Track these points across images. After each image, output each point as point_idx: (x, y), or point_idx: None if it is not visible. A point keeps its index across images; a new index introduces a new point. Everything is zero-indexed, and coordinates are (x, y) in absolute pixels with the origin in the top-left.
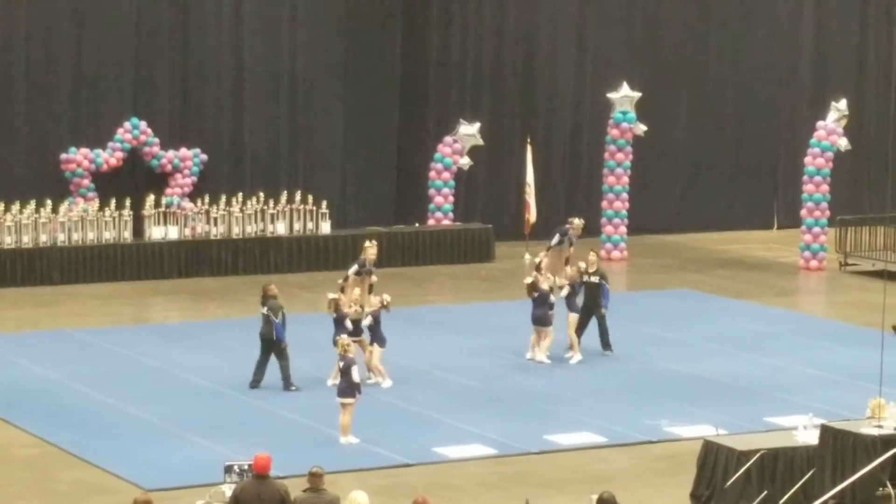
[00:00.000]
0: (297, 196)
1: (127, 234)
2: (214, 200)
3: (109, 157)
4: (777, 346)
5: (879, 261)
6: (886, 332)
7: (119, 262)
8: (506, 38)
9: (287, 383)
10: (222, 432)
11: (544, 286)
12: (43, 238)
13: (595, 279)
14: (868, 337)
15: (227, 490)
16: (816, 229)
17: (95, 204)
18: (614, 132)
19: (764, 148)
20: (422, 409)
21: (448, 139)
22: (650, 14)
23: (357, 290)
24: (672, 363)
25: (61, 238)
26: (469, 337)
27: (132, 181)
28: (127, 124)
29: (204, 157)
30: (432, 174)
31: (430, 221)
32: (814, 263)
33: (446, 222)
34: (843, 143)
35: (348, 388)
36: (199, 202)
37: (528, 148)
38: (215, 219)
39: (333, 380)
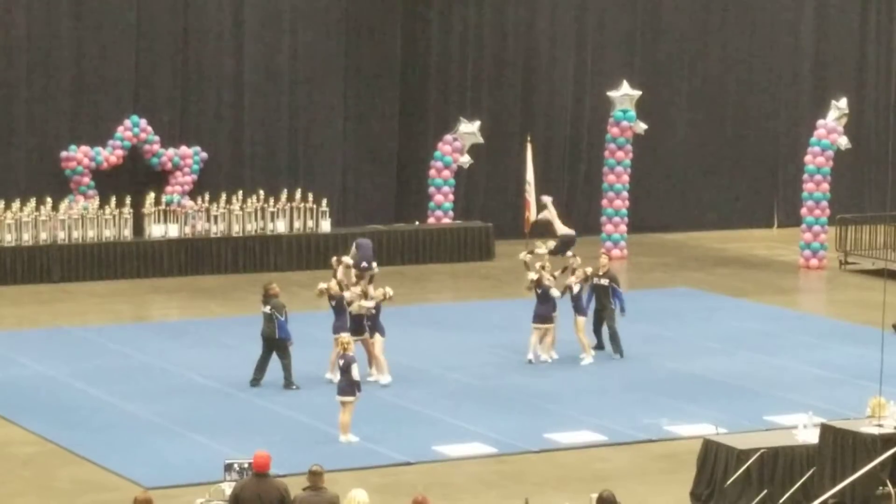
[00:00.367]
0: (298, 194)
1: (127, 232)
2: (214, 198)
3: (110, 154)
4: (777, 344)
5: (879, 259)
6: (886, 331)
7: (119, 259)
8: (506, 37)
9: (288, 382)
10: (222, 430)
11: (547, 283)
12: (43, 236)
13: (604, 282)
14: (868, 336)
15: (227, 488)
16: (817, 228)
17: (96, 202)
18: (614, 130)
19: (764, 147)
20: (421, 407)
21: (448, 137)
22: (650, 12)
23: (358, 289)
24: (672, 362)
25: (61, 236)
26: (469, 335)
27: (132, 179)
28: (127, 122)
29: (204, 155)
30: (432, 172)
31: (430, 220)
32: (814, 262)
33: (446, 220)
34: (844, 142)
35: (348, 386)
36: (199, 200)
37: (529, 146)
38: (215, 217)
39: (331, 373)
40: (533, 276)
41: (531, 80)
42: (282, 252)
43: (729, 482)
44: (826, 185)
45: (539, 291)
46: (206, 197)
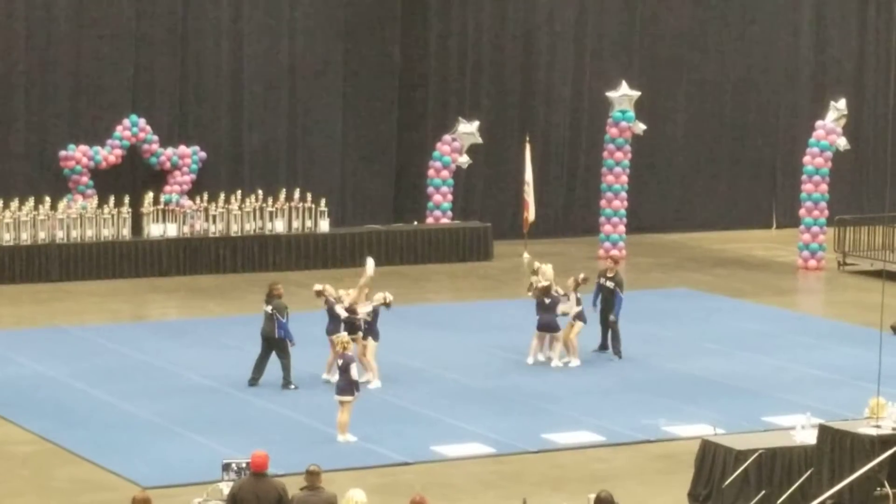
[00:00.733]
0: (296, 194)
1: (125, 232)
2: (213, 198)
3: (108, 154)
4: (775, 345)
5: (878, 260)
6: (885, 332)
7: (117, 259)
8: (505, 37)
9: (286, 381)
10: (220, 430)
11: (555, 293)
12: (41, 235)
13: (610, 285)
14: (866, 336)
15: (225, 488)
16: (815, 229)
17: (94, 201)
18: (613, 131)
19: (763, 147)
20: (420, 407)
21: (447, 137)
22: (649, 13)
23: (352, 292)
24: (670, 362)
25: (60, 235)
26: (467, 335)
27: (131, 178)
28: (126, 121)
29: (203, 154)
30: (431, 172)
31: (429, 220)
32: (812, 263)
33: (445, 221)
34: (842, 143)
35: (347, 385)
36: (197, 200)
37: (527, 147)
38: (214, 216)
39: (328, 374)
40: (544, 283)
41: (530, 81)
42: (280, 252)
43: (727, 483)
44: (825, 186)
45: (547, 301)
46: (205, 196)
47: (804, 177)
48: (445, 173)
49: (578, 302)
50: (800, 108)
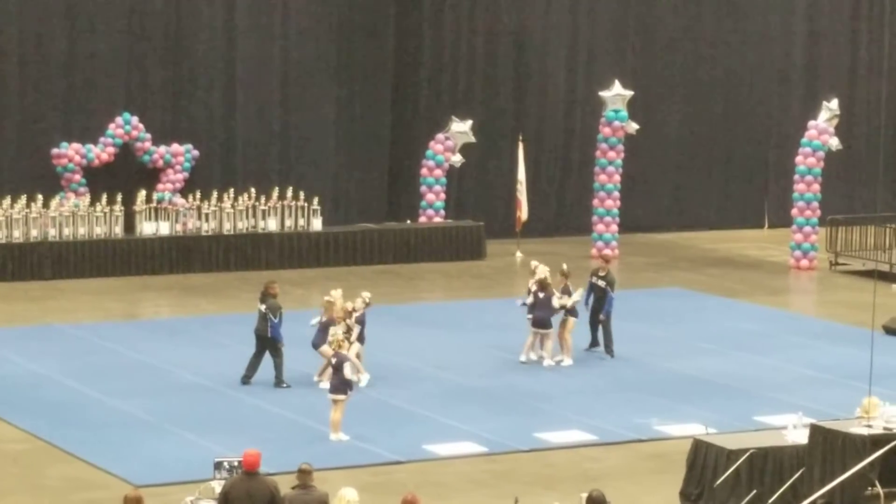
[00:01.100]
0: (289, 192)
1: (118, 230)
2: (206, 196)
3: (101, 152)
4: (767, 345)
5: (870, 260)
6: (876, 332)
7: (110, 257)
8: (498, 36)
9: (279, 380)
10: (212, 428)
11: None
12: (34, 233)
13: (602, 284)
14: (858, 336)
15: (217, 486)
16: (807, 228)
17: (87, 199)
18: (606, 130)
19: (755, 147)
20: (412, 406)
21: (440, 136)
22: (642, 13)
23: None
24: (662, 361)
25: (52, 233)
26: (460, 334)
27: (124, 176)
28: (119, 119)
29: (196, 152)
30: (424, 171)
31: (422, 219)
32: (804, 263)
33: (438, 219)
34: (835, 143)
35: (340, 384)
36: (190, 198)
37: (520, 146)
38: (206, 215)
39: (319, 376)
40: (541, 275)
41: (523, 80)
42: (273, 250)
43: (718, 482)
44: (817, 186)
45: (542, 296)
46: (198, 194)
47: (796, 177)
48: (438, 172)
49: (570, 293)
50: (792, 108)
